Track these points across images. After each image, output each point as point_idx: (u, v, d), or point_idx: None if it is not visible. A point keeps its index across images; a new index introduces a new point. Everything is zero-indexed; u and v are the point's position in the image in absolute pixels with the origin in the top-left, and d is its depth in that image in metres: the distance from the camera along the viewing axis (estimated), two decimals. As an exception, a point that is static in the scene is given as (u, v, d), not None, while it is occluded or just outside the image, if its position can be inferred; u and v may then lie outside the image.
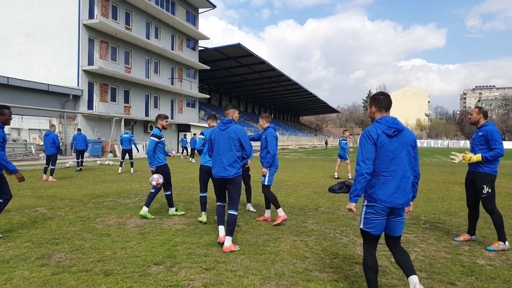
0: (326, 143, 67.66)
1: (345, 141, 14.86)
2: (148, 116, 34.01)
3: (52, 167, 12.57)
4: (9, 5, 28.48)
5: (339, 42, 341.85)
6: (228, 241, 5.02)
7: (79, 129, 18.04)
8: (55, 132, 13.09)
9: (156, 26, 34.97)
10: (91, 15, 27.51)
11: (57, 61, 26.98)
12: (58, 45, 26.97)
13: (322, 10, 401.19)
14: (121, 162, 15.89)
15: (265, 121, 6.90)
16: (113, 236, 5.73)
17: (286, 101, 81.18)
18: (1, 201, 5.61)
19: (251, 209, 7.81)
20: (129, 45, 31.43)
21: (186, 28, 38.24)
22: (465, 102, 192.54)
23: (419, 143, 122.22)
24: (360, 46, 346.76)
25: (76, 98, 26.45)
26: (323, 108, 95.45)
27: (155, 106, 35.47)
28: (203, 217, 6.68)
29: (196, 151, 23.57)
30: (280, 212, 6.59)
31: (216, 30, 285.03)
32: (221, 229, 5.36)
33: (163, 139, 7.29)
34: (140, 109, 33.18)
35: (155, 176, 6.93)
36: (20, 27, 28.08)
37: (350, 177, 14.39)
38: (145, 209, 7.04)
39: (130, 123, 31.20)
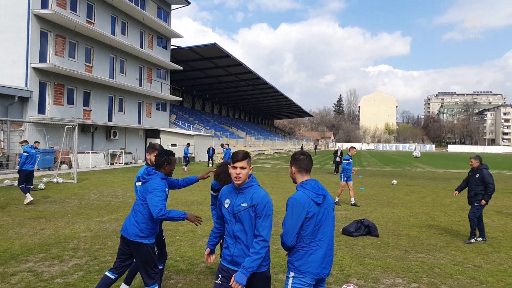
0: (302, 147, 65.32)
1: (347, 161, 12.53)
2: (111, 121, 30.25)
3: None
4: None
5: (311, 47, 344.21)
6: None
7: (37, 142, 13.69)
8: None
9: (123, 21, 31.30)
10: (44, 5, 23.63)
11: (1, 56, 22.99)
12: (2, 38, 22.99)
13: (295, 15, 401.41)
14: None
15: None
16: None
17: (261, 105, 78.65)
18: (161, 267, 4.53)
19: None
20: (91, 41, 27.67)
21: (157, 25, 34.71)
22: (429, 107, 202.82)
23: (387, 147, 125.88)
24: (330, 52, 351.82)
25: (24, 100, 22.48)
26: (297, 112, 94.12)
27: (120, 109, 31.72)
28: None
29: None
30: None
31: (189, 31, 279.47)
32: None
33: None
34: (102, 113, 29.34)
35: None
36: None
37: (353, 202, 12.43)
38: None
39: (90, 129, 27.41)
